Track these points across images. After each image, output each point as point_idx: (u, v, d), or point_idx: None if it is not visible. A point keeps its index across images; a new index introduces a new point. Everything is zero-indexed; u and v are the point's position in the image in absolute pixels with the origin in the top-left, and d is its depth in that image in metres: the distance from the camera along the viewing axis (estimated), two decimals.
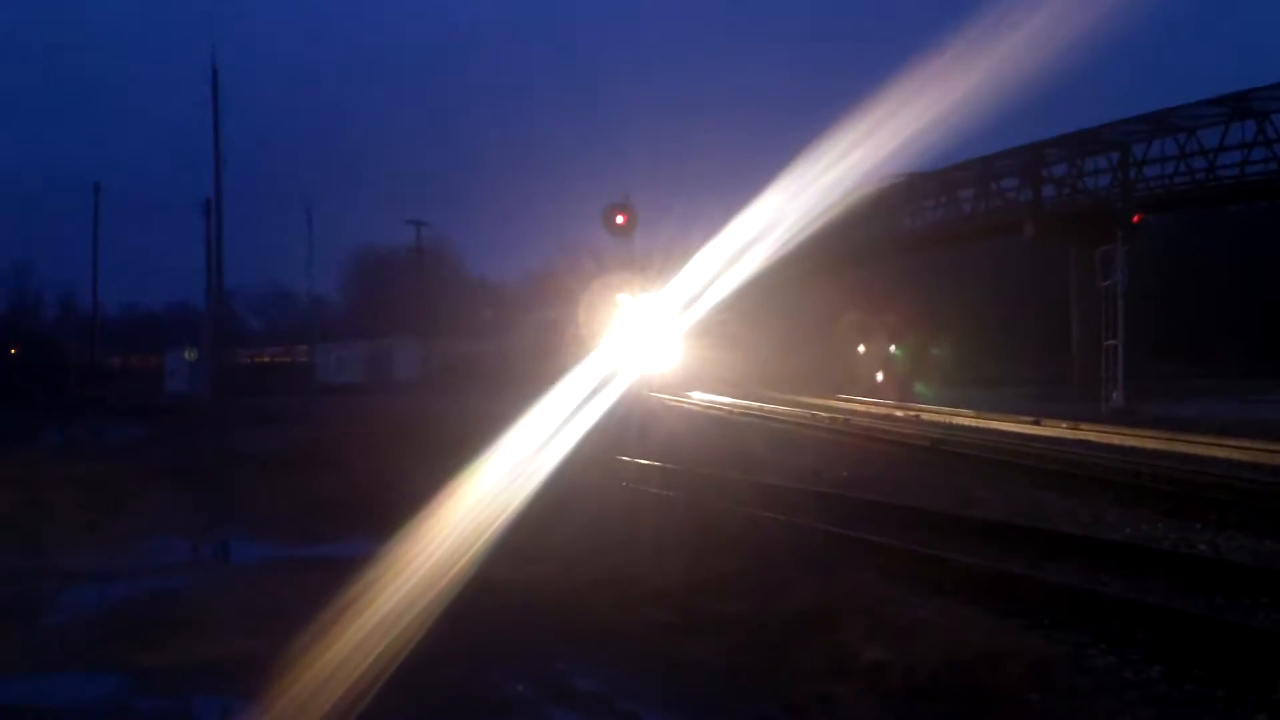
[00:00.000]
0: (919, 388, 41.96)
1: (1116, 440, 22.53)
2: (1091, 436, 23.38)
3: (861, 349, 52.25)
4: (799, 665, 8.07)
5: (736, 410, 34.77)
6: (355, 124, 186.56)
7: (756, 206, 30.40)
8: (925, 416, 30.68)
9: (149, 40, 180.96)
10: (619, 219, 23.82)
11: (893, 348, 49.93)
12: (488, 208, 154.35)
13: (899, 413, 32.94)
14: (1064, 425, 25.99)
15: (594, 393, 21.14)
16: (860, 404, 37.55)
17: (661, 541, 11.59)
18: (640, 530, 12.09)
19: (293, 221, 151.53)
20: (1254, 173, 36.01)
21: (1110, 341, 33.21)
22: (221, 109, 44.66)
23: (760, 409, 34.29)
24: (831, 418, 29.50)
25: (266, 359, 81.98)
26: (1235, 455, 19.33)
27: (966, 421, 28.35)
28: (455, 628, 8.88)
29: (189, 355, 66.12)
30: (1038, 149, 40.70)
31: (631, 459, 19.34)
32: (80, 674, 8.89)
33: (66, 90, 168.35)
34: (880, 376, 46.76)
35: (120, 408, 50.63)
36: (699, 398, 41.02)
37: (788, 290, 48.67)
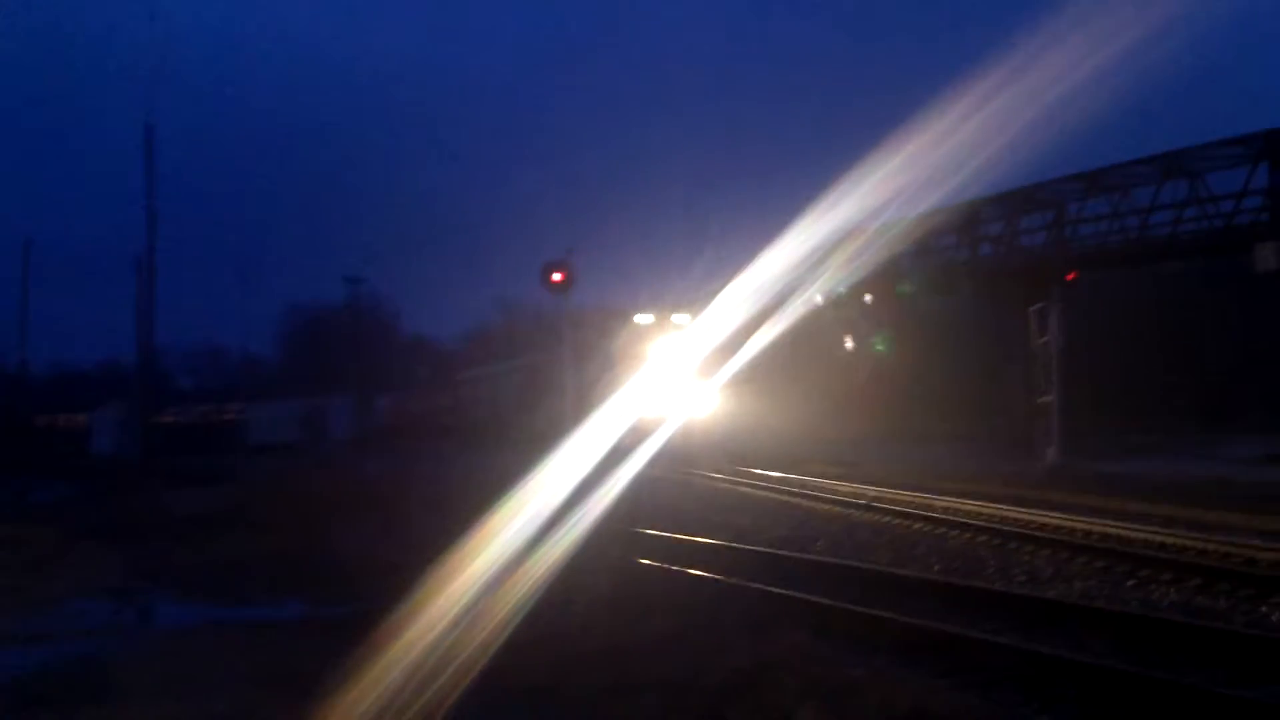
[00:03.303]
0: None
1: (1051, 497, 22.60)
2: (1027, 494, 23.42)
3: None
4: None
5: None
6: (290, 182, 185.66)
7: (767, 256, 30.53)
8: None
9: (82, 97, 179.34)
10: (556, 276, 23.71)
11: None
12: (426, 265, 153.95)
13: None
14: (998, 482, 26.01)
15: (596, 469, 19.71)
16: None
17: None
18: None
19: (226, 279, 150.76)
20: (1186, 231, 36.44)
21: (1045, 398, 33.43)
22: (155, 166, 44.34)
23: None
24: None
25: (197, 418, 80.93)
26: (1168, 512, 19.43)
27: (904, 479, 28.22)
28: (378, 692, 8.70)
29: (117, 414, 65.14)
30: (974, 206, 41.05)
31: None
32: None
33: None
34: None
35: (47, 468, 49.82)
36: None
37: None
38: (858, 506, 21.91)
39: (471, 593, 11.40)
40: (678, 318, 35.22)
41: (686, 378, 32.94)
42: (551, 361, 38.23)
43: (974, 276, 41.44)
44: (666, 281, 38.62)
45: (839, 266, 34.11)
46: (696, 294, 36.03)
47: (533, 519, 14.84)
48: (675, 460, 30.93)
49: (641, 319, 35.22)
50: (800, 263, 31.92)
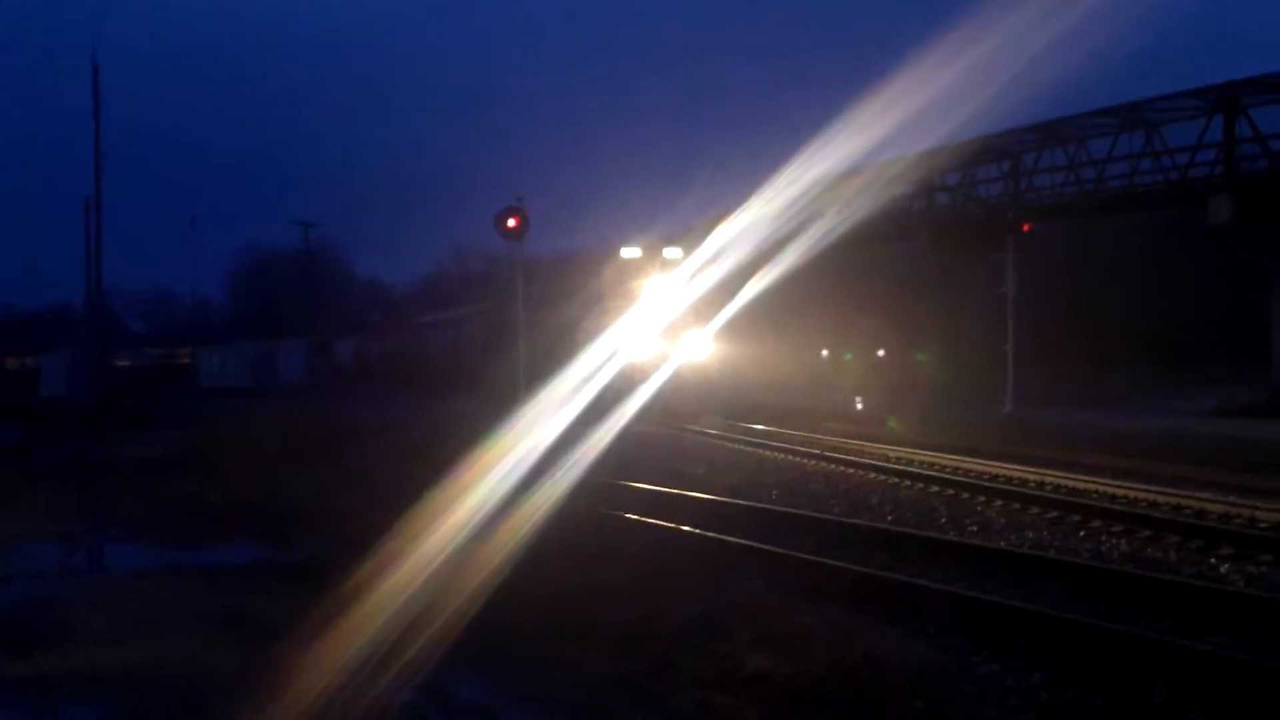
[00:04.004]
0: (891, 421, 31.92)
1: (1004, 448, 22.74)
2: (981, 444, 23.56)
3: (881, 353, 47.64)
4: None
5: None
6: (242, 125, 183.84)
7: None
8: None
9: (28, 35, 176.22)
10: (511, 222, 23.43)
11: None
12: (380, 210, 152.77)
13: None
14: (954, 433, 26.12)
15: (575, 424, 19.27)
16: None
17: None
18: None
19: (178, 222, 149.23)
20: (1142, 184, 36.63)
21: (1001, 349, 33.62)
22: (103, 107, 43.55)
23: None
24: None
25: (150, 361, 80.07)
26: (1121, 464, 19.61)
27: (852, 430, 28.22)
28: (334, 634, 8.69)
29: (68, 358, 64.38)
30: (931, 156, 41.00)
31: None
32: None
33: None
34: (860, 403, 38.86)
35: None
36: None
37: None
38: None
39: (429, 539, 11.37)
40: (670, 252, 31.99)
41: (680, 320, 30.66)
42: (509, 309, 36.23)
43: (931, 227, 41.53)
44: (652, 217, 36.21)
45: (840, 207, 33.29)
46: (688, 229, 34.53)
47: (499, 474, 14.66)
48: (666, 414, 28.78)
49: (628, 253, 31.99)
50: (801, 199, 31.32)
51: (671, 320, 30.23)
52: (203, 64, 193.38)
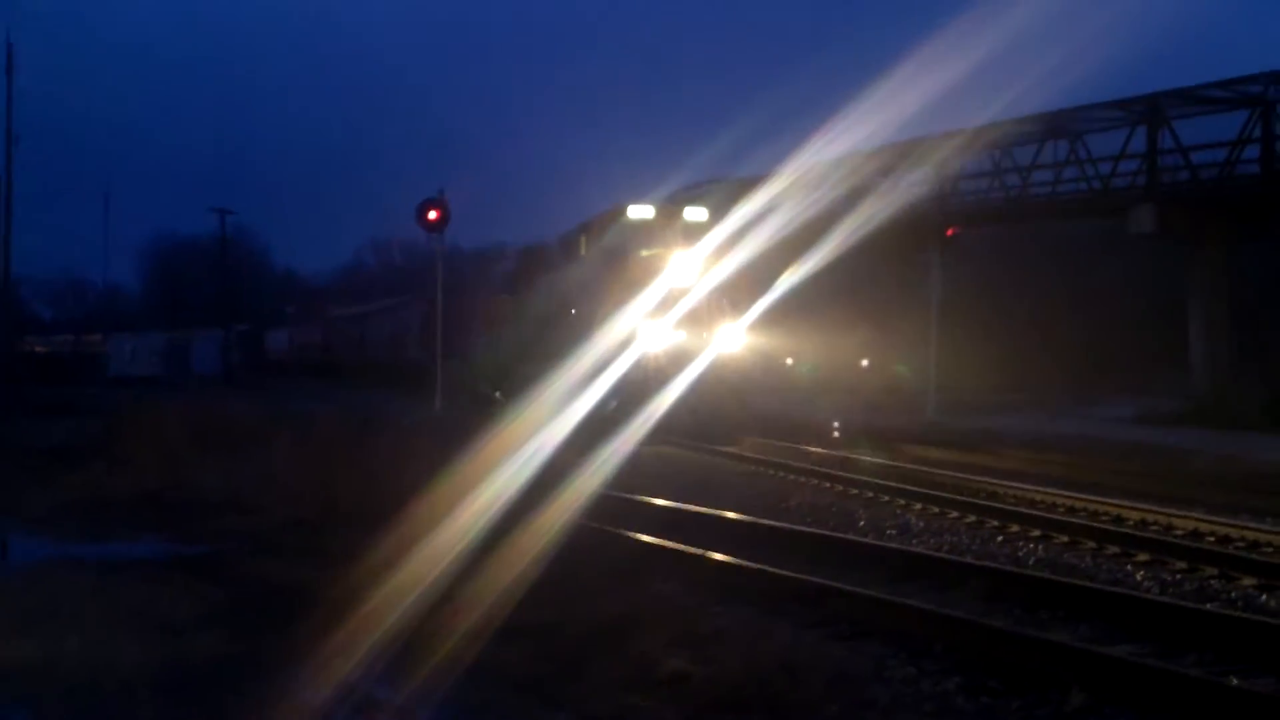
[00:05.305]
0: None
1: (926, 452, 22.82)
2: (902, 447, 23.61)
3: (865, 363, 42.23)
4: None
5: None
6: (157, 109, 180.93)
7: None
8: None
9: None
10: (432, 215, 22.93)
11: None
12: (296, 199, 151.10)
13: None
14: (875, 435, 26.04)
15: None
16: None
17: None
18: None
19: (86, 207, 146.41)
20: (1065, 192, 37.06)
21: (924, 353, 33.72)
22: (15, 87, 42.32)
23: None
24: None
25: (62, 348, 78.56)
26: (1041, 470, 19.75)
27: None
28: (243, 629, 8.47)
29: None
30: (860, 158, 40.98)
31: None
32: None
33: None
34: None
35: None
36: None
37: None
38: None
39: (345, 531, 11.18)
40: (692, 213, 25.06)
41: (705, 308, 24.14)
42: (480, 298, 32.83)
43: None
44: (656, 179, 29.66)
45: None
46: (703, 189, 30.64)
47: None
48: (691, 432, 23.20)
49: (637, 213, 24.92)
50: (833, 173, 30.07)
51: (692, 307, 23.96)
52: (120, 45, 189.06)
